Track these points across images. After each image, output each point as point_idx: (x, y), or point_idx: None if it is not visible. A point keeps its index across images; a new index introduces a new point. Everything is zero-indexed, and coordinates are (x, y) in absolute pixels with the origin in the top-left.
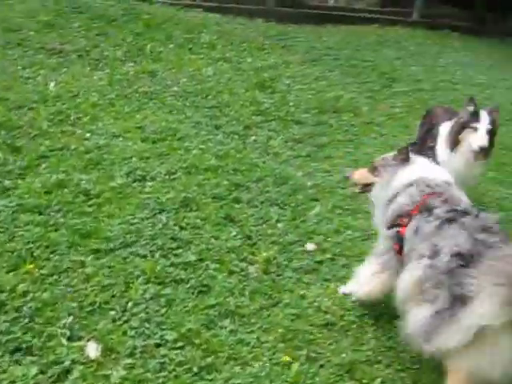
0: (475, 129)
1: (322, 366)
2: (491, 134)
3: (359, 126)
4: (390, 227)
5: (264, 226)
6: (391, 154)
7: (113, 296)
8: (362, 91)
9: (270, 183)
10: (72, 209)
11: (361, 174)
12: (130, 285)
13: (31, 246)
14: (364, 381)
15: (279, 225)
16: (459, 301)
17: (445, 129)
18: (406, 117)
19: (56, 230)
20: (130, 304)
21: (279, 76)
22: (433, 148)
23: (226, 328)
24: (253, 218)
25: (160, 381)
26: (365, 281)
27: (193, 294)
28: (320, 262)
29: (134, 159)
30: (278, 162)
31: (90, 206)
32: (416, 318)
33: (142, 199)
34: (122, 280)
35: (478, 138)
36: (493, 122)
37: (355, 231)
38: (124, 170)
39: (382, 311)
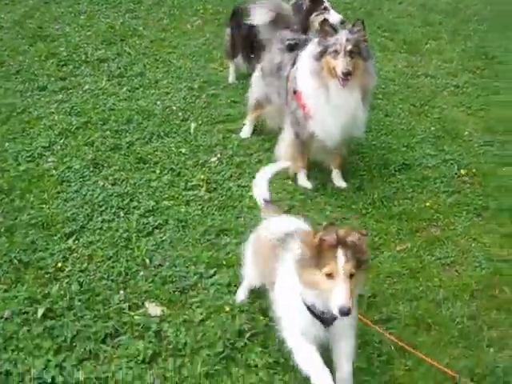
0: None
1: None
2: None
3: (155, 45)
4: None
5: (173, 156)
6: None
7: None
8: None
9: (140, 119)
10: None
11: None
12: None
13: None
14: None
15: (182, 150)
16: None
17: None
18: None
19: None
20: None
21: None
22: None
23: (231, 243)
24: (152, 149)
25: None
26: None
27: (179, 229)
28: (240, 165)
29: None
30: (124, 101)
31: None
32: None
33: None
34: None
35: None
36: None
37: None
38: None
39: None
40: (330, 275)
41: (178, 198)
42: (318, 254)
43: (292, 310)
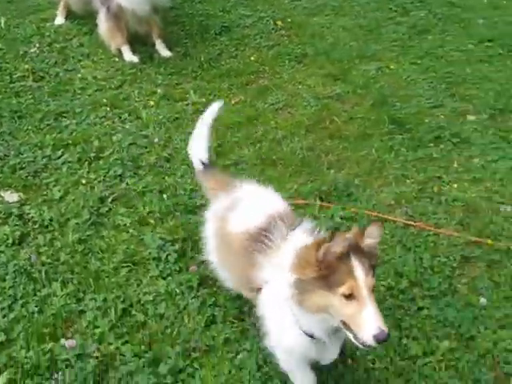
0: None
1: None
2: None
3: None
4: None
5: None
6: None
7: None
8: None
9: None
10: None
11: None
12: None
13: None
14: None
15: None
16: None
17: None
18: None
19: None
20: None
21: None
22: None
23: (72, 124)
24: None
25: None
26: None
27: (15, 120)
28: (62, 51)
29: None
30: None
31: None
32: None
33: None
34: None
35: None
36: None
37: None
38: None
39: None
40: (349, 296)
41: (5, 91)
42: (327, 272)
43: (283, 330)
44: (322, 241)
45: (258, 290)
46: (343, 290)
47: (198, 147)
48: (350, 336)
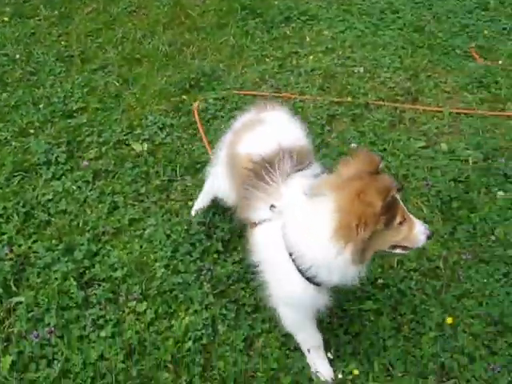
0: None
1: None
2: None
3: None
4: None
5: None
6: None
7: None
8: None
9: None
10: None
11: None
12: None
13: None
14: None
15: None
16: None
17: None
18: None
19: None
20: None
21: None
22: None
23: None
24: None
25: None
26: None
27: None
28: None
29: None
30: None
31: None
32: None
33: None
34: None
35: None
36: None
37: None
38: None
39: None
40: (401, 222)
41: None
42: (387, 215)
43: (283, 278)
44: (385, 188)
45: (253, 224)
46: (399, 219)
47: None
48: (397, 251)
